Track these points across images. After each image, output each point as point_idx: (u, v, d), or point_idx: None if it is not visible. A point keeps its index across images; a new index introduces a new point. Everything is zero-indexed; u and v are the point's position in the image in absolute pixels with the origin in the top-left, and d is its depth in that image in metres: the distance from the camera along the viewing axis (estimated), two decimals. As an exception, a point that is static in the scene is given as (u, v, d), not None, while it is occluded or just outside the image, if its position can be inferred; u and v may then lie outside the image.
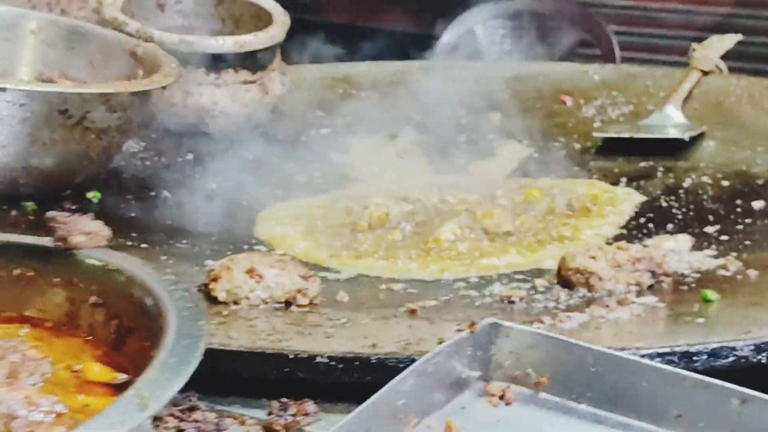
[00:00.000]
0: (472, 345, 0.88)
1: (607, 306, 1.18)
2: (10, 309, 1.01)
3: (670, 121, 1.71)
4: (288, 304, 1.20)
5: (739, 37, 1.89)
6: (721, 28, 3.21)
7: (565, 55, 3.18)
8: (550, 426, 0.88)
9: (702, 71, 1.81)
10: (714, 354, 1.04)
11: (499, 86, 1.82)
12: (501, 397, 0.90)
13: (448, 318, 1.17)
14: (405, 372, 0.84)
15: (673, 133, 1.66)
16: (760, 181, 1.53)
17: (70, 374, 0.87)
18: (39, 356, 0.87)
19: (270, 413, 1.02)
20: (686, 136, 1.64)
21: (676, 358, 1.03)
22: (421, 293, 1.25)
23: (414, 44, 2.29)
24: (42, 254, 1.00)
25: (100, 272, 0.96)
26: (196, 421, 0.97)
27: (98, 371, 0.87)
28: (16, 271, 1.02)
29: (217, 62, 1.66)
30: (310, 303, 1.21)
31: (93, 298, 0.95)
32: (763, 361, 1.04)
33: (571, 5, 3.48)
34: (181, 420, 0.97)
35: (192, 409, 0.99)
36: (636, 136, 1.65)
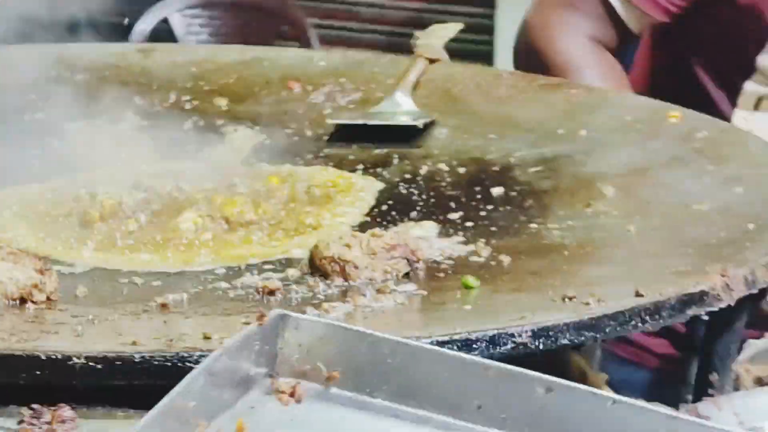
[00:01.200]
0: (259, 339, 0.81)
1: (366, 295, 1.14)
2: None
3: (401, 108, 1.67)
4: (23, 300, 1.09)
5: (460, 25, 1.89)
6: (412, 22, 3.26)
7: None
8: (344, 423, 0.82)
9: (428, 59, 1.79)
10: (492, 341, 1.01)
11: (223, 70, 1.74)
12: (291, 395, 0.83)
13: (203, 312, 1.09)
14: (195, 371, 0.76)
15: (405, 121, 1.63)
16: (496, 168, 1.51)
17: None
18: None
19: (21, 422, 0.91)
20: (419, 123, 1.62)
21: (455, 347, 0.99)
22: (167, 286, 1.17)
23: (112, 32, 2.18)
24: None
25: None
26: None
27: None
28: None
29: None
30: (48, 299, 1.10)
31: None
32: (541, 347, 1.02)
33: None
34: None
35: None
36: (369, 123, 1.62)
